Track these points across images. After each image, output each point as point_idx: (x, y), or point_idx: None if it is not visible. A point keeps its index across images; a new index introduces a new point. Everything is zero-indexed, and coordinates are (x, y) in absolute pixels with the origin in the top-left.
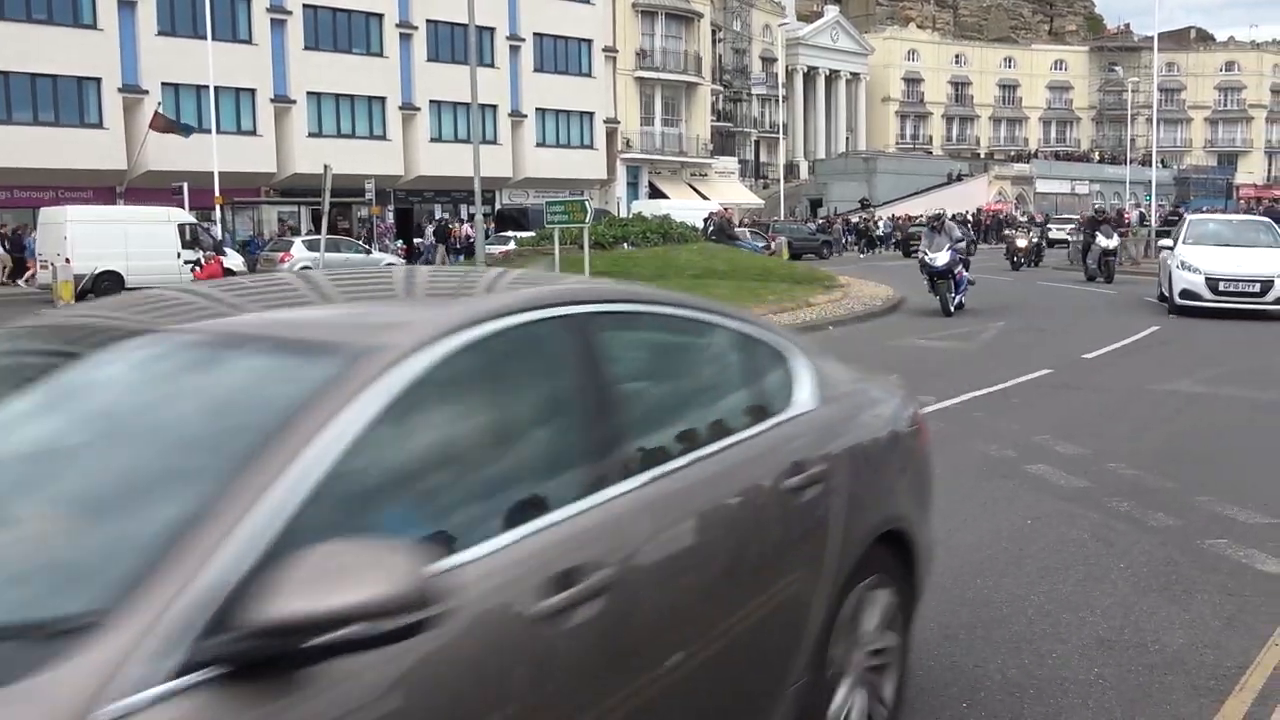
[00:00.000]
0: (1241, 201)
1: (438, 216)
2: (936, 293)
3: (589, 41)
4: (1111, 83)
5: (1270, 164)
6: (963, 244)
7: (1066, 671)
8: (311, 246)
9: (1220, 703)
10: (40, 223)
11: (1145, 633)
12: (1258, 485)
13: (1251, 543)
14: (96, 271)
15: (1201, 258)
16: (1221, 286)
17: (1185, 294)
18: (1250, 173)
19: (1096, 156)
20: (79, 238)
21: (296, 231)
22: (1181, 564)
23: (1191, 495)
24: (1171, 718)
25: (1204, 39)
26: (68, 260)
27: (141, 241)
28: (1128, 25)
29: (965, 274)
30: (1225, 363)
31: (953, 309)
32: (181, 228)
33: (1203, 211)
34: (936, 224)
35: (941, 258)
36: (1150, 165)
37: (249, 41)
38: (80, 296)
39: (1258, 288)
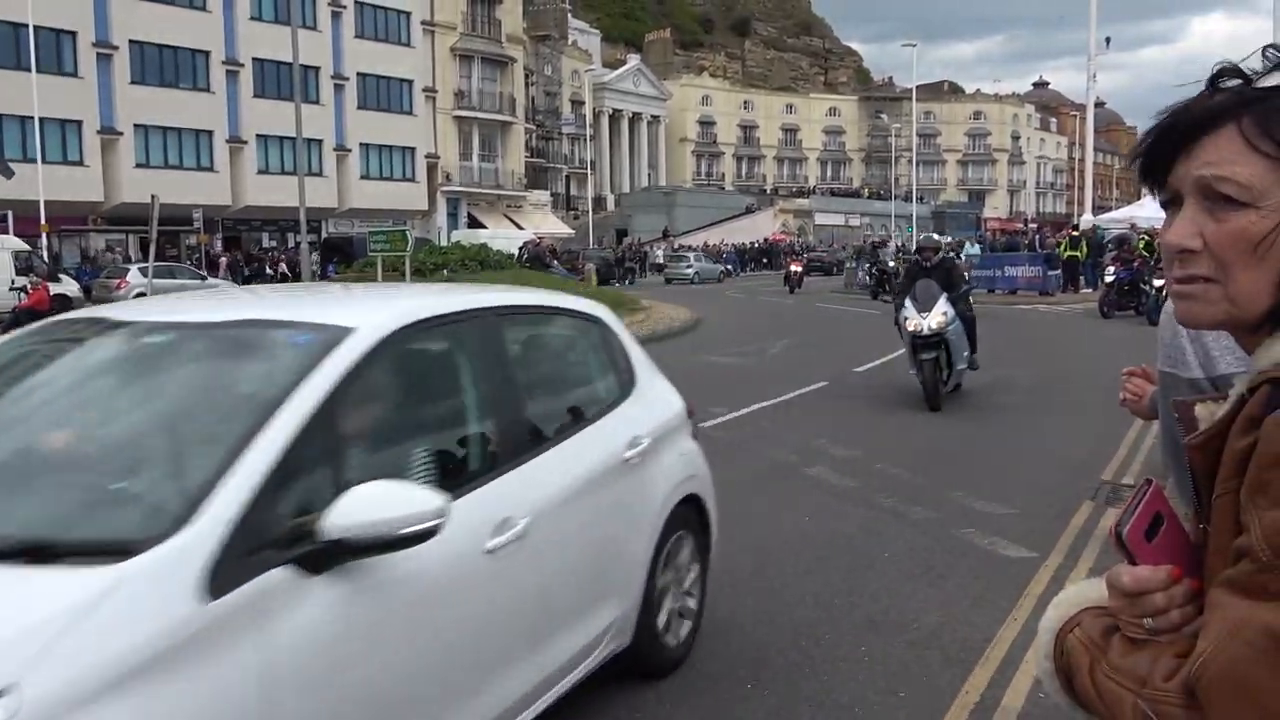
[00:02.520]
0: (989, 234)
1: (266, 244)
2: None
3: (410, 82)
4: (878, 128)
5: (1012, 200)
6: None
7: (839, 651)
8: (146, 273)
9: (969, 672)
10: None
11: (907, 613)
12: (999, 481)
13: (995, 531)
14: None
15: None
16: None
17: None
18: (995, 208)
19: (866, 192)
20: None
21: (129, 259)
22: (937, 551)
23: (946, 491)
24: (928, 687)
25: (955, 91)
26: None
27: None
28: (891, 78)
29: None
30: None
31: None
32: (16, 255)
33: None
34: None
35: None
36: (911, 200)
37: (75, 74)
38: None
39: None
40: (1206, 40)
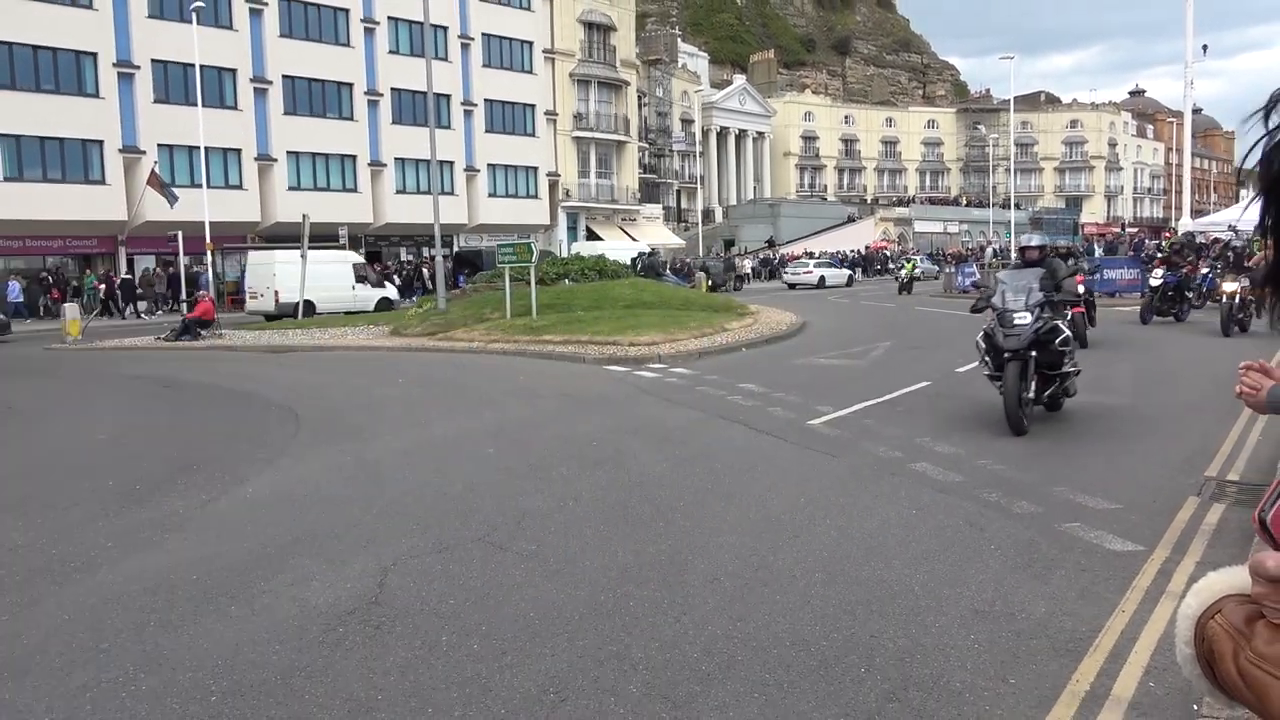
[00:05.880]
0: (1086, 240)
1: (403, 258)
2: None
3: (532, 106)
4: (976, 139)
5: (1109, 206)
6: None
7: (948, 638)
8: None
9: (1077, 662)
10: (250, 263)
11: (1013, 604)
12: (1103, 477)
13: (1100, 525)
14: (299, 301)
15: None
16: None
17: None
18: (1093, 213)
19: (964, 201)
20: (284, 275)
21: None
22: (1042, 545)
23: (1049, 486)
24: (1037, 675)
25: (1052, 101)
26: (277, 293)
27: (328, 277)
28: (988, 90)
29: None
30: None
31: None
32: (355, 266)
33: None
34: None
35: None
36: (1009, 208)
37: (235, 108)
38: (277, 318)
39: None
40: None
